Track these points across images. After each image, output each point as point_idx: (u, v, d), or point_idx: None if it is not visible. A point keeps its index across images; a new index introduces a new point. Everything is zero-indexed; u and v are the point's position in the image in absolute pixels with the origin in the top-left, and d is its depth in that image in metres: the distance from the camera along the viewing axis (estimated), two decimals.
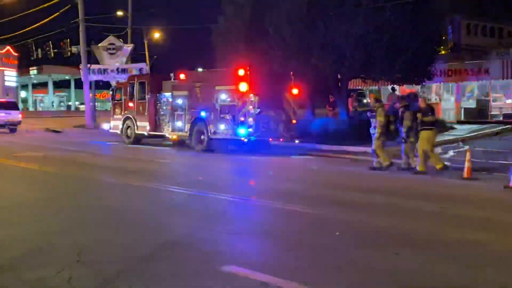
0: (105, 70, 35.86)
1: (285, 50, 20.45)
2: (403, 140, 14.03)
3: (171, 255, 6.18)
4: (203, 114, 18.74)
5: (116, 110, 23.40)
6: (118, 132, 23.07)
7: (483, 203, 9.93)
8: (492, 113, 27.43)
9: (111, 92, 25.32)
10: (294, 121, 18.41)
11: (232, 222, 8.13)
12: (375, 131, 14.29)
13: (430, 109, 13.99)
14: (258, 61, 20.60)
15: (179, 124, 19.97)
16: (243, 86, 17.31)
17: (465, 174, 12.41)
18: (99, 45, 36.38)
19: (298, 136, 18.72)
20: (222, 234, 7.25)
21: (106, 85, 43.19)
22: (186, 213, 8.75)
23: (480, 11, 30.67)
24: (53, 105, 75.80)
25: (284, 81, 18.46)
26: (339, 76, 22.23)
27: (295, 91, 18.47)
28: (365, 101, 28.68)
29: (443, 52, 27.84)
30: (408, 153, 14.13)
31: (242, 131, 17.39)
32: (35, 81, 75.75)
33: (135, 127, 22.00)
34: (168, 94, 20.69)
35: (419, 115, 13.56)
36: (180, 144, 20.93)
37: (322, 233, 7.36)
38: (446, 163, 13.90)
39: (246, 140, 17.59)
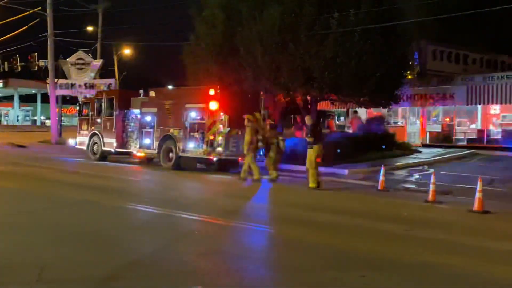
0: (72, 85, 35.37)
1: (256, 70, 20.56)
2: (264, 155, 15.96)
3: (135, 275, 6.07)
4: (172, 131, 18.64)
5: (83, 126, 23.04)
6: (84, 148, 22.70)
7: (448, 226, 10.08)
8: (456, 137, 28.07)
9: (78, 108, 24.96)
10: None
11: (199, 242, 8.05)
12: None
13: (311, 128, 14.78)
14: (228, 80, 20.69)
15: (147, 141, 19.80)
16: (213, 105, 17.31)
17: (430, 197, 12.60)
18: (67, 59, 35.92)
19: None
20: (188, 254, 7.17)
21: (73, 100, 42.63)
22: (152, 232, 8.62)
23: (446, 38, 31.53)
24: (18, 119, 74.23)
25: (255, 100, 18.53)
26: (308, 98, 22.44)
27: (265, 111, 18.53)
28: (337, 122, 29.29)
29: (409, 76, 28.45)
30: (268, 166, 15.81)
31: (211, 149, 17.34)
32: (0, 95, 74.18)
33: (102, 144, 21.69)
34: (136, 110, 20.51)
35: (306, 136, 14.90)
36: (147, 161, 20.71)
37: (289, 254, 7.35)
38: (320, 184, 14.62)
39: (215, 159, 17.53)
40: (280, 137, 16.03)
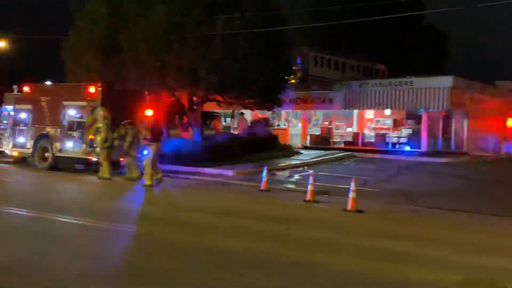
0: None
1: (140, 68, 20.08)
2: (125, 154, 15.98)
3: (3, 282, 5.64)
4: (48, 130, 17.72)
5: None
6: None
7: (324, 225, 10.53)
8: (334, 140, 29.46)
9: None
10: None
11: (73, 245, 7.69)
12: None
13: (152, 128, 15.39)
14: (111, 78, 20.01)
15: (21, 140, 18.69)
16: (94, 103, 16.69)
17: (308, 197, 13.09)
18: None
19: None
20: (61, 259, 6.83)
21: None
22: (23, 236, 8.11)
23: (327, 45, 33.06)
24: None
25: (139, 100, 18.09)
26: (194, 98, 22.37)
27: (149, 110, 18.16)
28: (224, 123, 29.55)
29: (293, 81, 29.40)
30: (130, 166, 15.95)
31: (90, 149, 16.69)
32: None
33: None
34: (10, 107, 19.30)
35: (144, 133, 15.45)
36: (22, 161, 19.43)
37: (167, 256, 7.24)
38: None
39: (94, 159, 16.86)
40: (141, 136, 15.97)
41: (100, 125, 16.39)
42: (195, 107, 22.62)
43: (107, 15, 20.79)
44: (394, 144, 27.37)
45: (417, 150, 25.82)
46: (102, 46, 20.65)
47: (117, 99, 17.18)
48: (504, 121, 30.64)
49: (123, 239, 8.33)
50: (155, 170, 15.55)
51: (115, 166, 16.55)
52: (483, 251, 8.52)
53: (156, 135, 15.13)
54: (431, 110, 26.32)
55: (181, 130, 24.42)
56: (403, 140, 27.32)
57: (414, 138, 26.82)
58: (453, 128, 27.94)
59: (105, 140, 15.90)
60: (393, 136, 27.70)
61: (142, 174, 15.45)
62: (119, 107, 16.88)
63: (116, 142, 16.06)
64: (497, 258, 8.02)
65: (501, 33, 70.45)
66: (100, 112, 16.16)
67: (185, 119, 24.35)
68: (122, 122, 16.20)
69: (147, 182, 14.61)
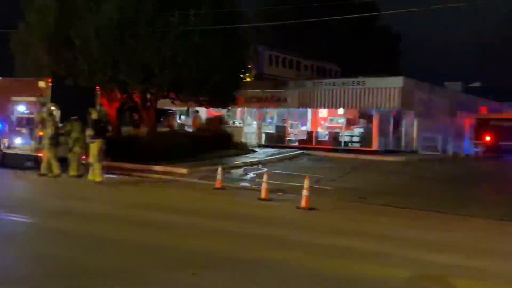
0: None
1: (92, 64, 19.67)
2: (70, 150, 15.80)
3: None
4: None
5: None
6: None
7: (278, 222, 10.62)
8: (289, 138, 29.73)
9: None
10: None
11: (20, 245, 7.49)
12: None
13: (93, 123, 15.34)
14: (62, 73, 19.57)
15: None
16: (44, 99, 16.29)
17: (262, 195, 13.17)
18: None
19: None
20: (7, 259, 6.64)
21: None
22: None
23: (282, 45, 33.39)
24: None
25: (90, 95, 17.77)
26: (148, 95, 22.08)
27: (96, 106, 17.87)
28: (178, 121, 29.36)
29: (248, 79, 29.46)
30: (72, 163, 15.81)
31: (40, 146, 16.27)
32: None
33: None
34: None
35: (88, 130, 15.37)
36: None
37: (123, 256, 7.15)
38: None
39: None
40: (87, 133, 15.64)
41: (46, 121, 16.02)
42: (148, 104, 22.34)
43: (57, 9, 20.25)
44: (346, 143, 27.84)
45: (368, 149, 26.35)
46: (53, 41, 20.11)
47: (67, 95, 16.85)
48: (452, 121, 31.68)
49: (73, 238, 8.14)
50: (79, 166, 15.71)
51: (62, 163, 16.19)
52: (433, 247, 8.80)
53: (99, 132, 14.99)
54: (382, 110, 26.90)
55: (133, 127, 24.08)
56: (355, 139, 27.82)
57: (366, 137, 27.34)
58: (403, 128, 28.64)
59: (51, 136, 15.58)
60: (345, 135, 28.17)
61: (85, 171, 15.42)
62: (69, 103, 16.56)
63: (61, 139, 15.84)
64: (445, 255, 8.29)
65: (453, 36, 72.83)
66: (47, 108, 15.84)
67: (135, 116, 24.06)
68: (70, 118, 15.90)
69: (97, 179, 14.44)
